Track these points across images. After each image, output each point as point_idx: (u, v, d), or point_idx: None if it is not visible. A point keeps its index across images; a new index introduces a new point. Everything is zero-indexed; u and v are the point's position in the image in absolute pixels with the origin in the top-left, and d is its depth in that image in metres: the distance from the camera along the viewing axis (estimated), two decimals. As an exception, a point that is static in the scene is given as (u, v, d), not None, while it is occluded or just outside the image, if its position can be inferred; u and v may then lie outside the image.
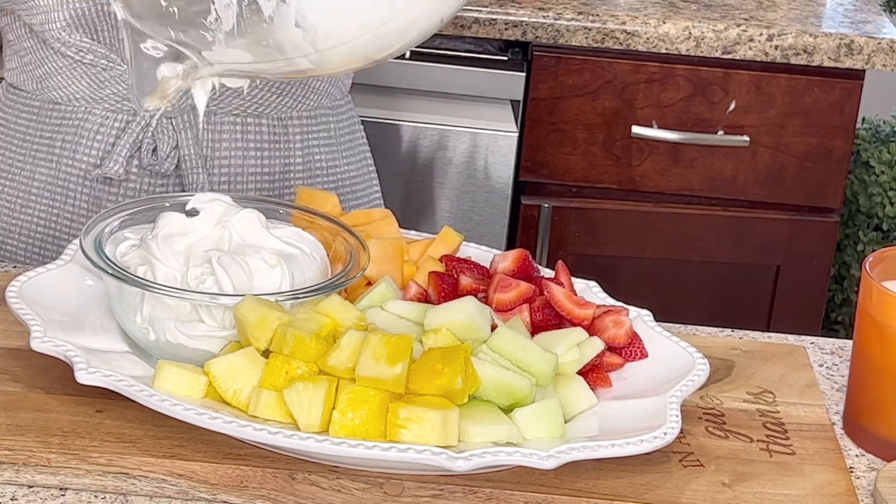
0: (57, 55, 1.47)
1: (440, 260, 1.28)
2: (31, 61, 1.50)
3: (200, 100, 1.24)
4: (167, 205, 1.29)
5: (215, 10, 1.13)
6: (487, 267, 1.29)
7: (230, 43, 1.15)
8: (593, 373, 1.21)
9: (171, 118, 1.47)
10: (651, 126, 2.36)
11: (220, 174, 1.50)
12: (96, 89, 1.48)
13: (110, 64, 1.46)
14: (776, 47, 2.31)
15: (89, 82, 1.48)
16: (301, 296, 1.17)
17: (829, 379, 1.31)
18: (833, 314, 2.71)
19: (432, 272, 1.25)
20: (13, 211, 1.53)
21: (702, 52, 2.31)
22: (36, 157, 1.52)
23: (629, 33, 2.31)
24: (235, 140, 1.50)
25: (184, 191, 1.49)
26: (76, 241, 1.27)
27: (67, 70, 1.48)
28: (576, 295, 1.26)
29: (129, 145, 1.48)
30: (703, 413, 1.23)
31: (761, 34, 2.31)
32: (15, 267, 1.38)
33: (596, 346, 1.21)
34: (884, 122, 2.75)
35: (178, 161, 1.49)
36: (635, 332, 1.25)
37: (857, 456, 1.20)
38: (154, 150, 1.48)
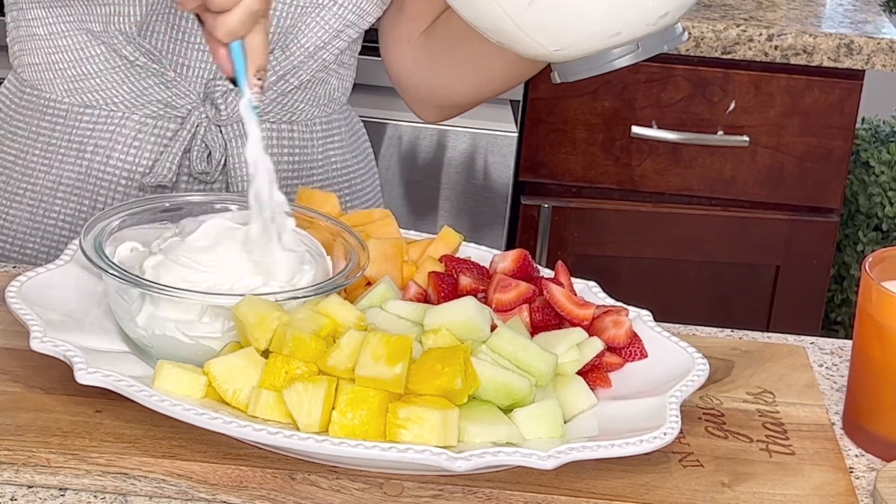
0: (101, 56, 1.44)
1: (440, 260, 1.28)
2: (63, 60, 1.46)
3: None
4: (167, 205, 1.29)
5: None
6: (487, 267, 1.29)
7: None
8: (593, 373, 1.21)
9: (220, 126, 1.47)
10: (651, 126, 2.36)
11: None
12: (138, 95, 1.46)
13: (160, 69, 1.44)
14: (776, 47, 2.31)
15: (132, 87, 1.46)
16: (301, 296, 1.17)
17: (828, 379, 1.31)
18: (833, 314, 2.71)
19: (432, 272, 1.25)
20: (35, 214, 1.51)
21: (701, 52, 2.32)
22: (63, 162, 1.49)
23: (629, 33, 2.30)
24: (272, 146, 1.51)
25: None
26: (76, 241, 1.27)
27: (109, 73, 1.45)
28: (575, 295, 1.26)
29: (179, 152, 1.47)
30: (703, 413, 1.23)
31: (761, 34, 2.31)
32: (14, 267, 1.38)
33: (595, 346, 1.21)
34: (883, 123, 2.75)
35: (225, 167, 1.49)
36: (635, 333, 1.25)
37: (856, 456, 1.20)
38: (208, 156, 1.47)
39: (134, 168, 1.48)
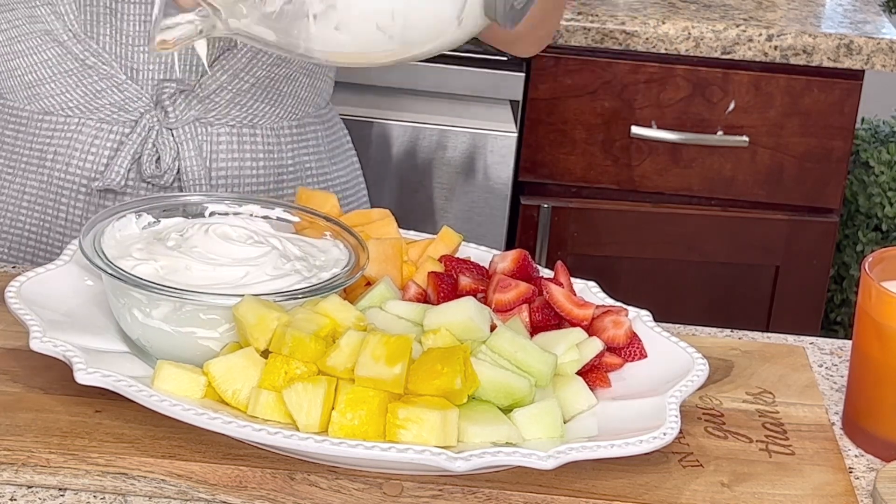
0: (54, 59, 1.45)
1: (439, 260, 1.28)
2: (20, 66, 1.47)
3: (203, 51, 1.23)
4: (166, 204, 1.29)
5: None
6: (487, 267, 1.29)
7: (263, 22, 1.13)
8: (592, 373, 1.21)
9: (171, 129, 1.47)
10: (650, 126, 2.36)
11: (217, 185, 1.50)
12: (91, 99, 1.46)
13: (110, 71, 1.45)
14: (775, 47, 2.31)
15: (85, 91, 1.46)
16: (300, 296, 1.17)
17: (828, 379, 1.31)
18: (832, 314, 2.71)
19: (431, 272, 1.25)
20: (2, 225, 1.51)
21: (701, 52, 2.32)
22: (26, 171, 1.49)
23: (628, 33, 2.31)
24: (232, 151, 1.50)
25: None
26: (75, 241, 1.27)
27: (63, 77, 1.46)
28: (575, 295, 1.26)
29: (129, 157, 1.47)
30: (703, 413, 1.23)
31: (760, 34, 2.31)
32: (14, 267, 1.38)
33: (595, 346, 1.21)
34: (883, 123, 2.75)
35: (179, 172, 1.48)
36: (634, 333, 1.25)
37: (856, 456, 1.20)
38: (157, 160, 1.47)
39: (92, 175, 1.48)
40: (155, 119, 1.46)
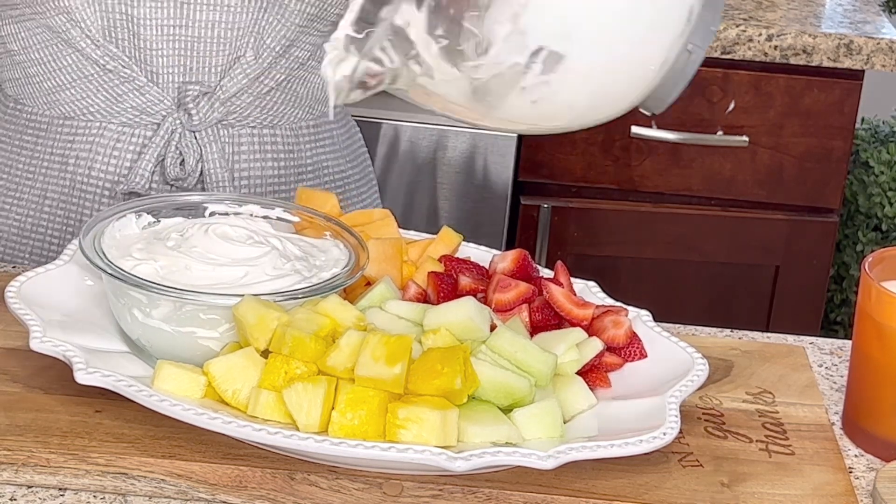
0: (74, 66, 1.44)
1: (439, 260, 1.28)
2: (39, 73, 1.47)
3: (333, 96, 1.11)
4: (167, 203, 1.29)
5: (494, 52, 1.04)
6: (487, 267, 1.29)
7: (457, 84, 1.07)
8: (592, 373, 1.21)
9: (194, 131, 1.47)
10: (650, 126, 2.36)
11: (240, 186, 1.50)
12: (112, 103, 1.46)
13: (131, 74, 1.44)
14: (775, 47, 2.31)
15: (106, 96, 1.46)
16: (300, 296, 1.17)
17: (828, 379, 1.31)
18: (832, 314, 2.71)
19: (431, 272, 1.25)
20: (23, 230, 1.51)
21: (701, 52, 2.31)
22: (47, 176, 1.49)
23: (628, 33, 2.30)
24: (254, 151, 1.50)
25: None
26: (75, 241, 1.27)
27: (83, 82, 1.45)
28: (575, 295, 1.26)
29: (153, 159, 1.46)
30: (703, 413, 1.23)
31: (760, 34, 2.31)
32: (14, 267, 1.38)
33: (595, 346, 1.21)
34: (883, 123, 2.75)
35: (202, 174, 1.48)
36: (634, 333, 1.25)
37: (856, 456, 1.20)
38: (181, 162, 1.47)
39: (116, 178, 1.48)
40: (178, 122, 1.46)
